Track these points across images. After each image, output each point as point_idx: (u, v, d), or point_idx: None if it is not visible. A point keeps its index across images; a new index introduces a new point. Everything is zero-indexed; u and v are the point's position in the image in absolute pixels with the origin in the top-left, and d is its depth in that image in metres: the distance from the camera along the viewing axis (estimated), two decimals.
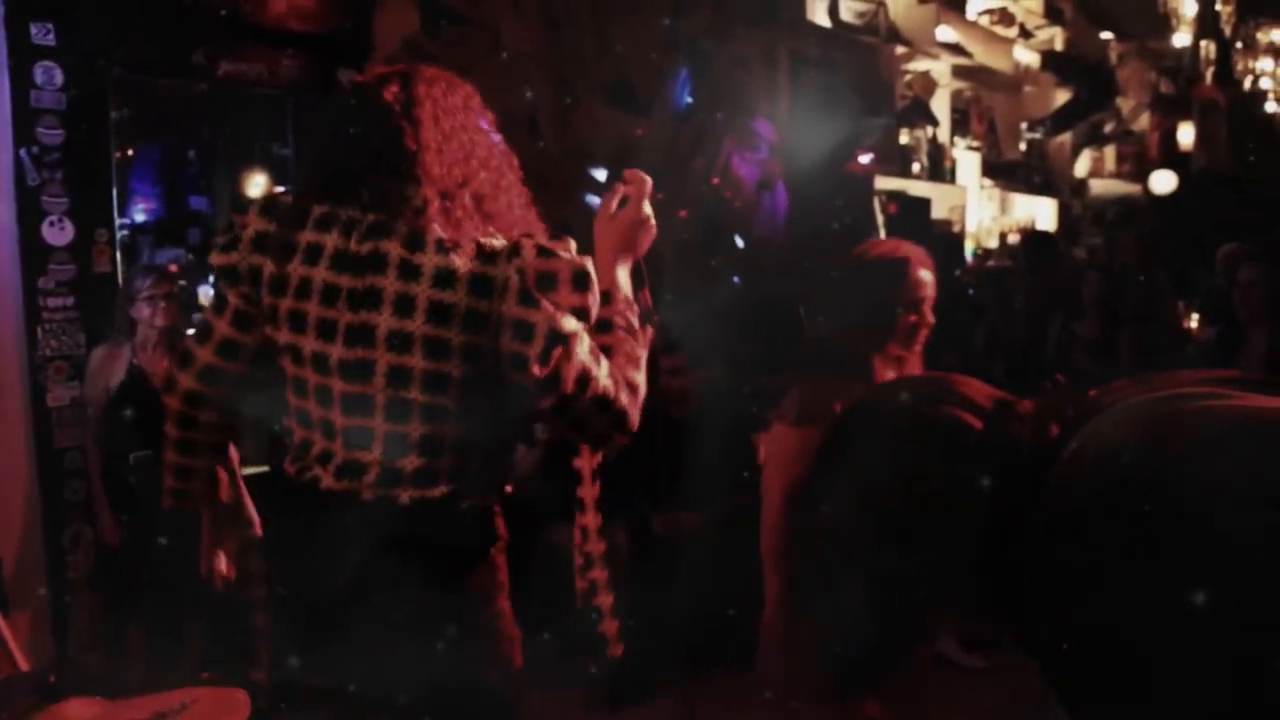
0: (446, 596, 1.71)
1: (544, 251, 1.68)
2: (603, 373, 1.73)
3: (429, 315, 1.67)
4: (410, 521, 1.70)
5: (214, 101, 5.85)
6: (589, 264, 1.71)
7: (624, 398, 1.74)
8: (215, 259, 1.84)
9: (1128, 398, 1.17)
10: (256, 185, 6.41)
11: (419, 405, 1.68)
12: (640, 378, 1.78)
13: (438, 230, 1.70)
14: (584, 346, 1.70)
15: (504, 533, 1.85)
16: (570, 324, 1.67)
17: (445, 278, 1.67)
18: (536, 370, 1.66)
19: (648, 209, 1.89)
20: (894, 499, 1.16)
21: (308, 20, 4.75)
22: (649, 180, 1.91)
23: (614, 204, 1.89)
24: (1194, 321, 6.44)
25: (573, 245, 1.72)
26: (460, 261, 1.68)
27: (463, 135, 1.79)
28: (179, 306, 3.94)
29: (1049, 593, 1.10)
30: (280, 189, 6.23)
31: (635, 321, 1.83)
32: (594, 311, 1.70)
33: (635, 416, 1.77)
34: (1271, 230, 7.24)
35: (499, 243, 1.71)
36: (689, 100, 6.04)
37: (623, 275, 1.86)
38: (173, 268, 4.24)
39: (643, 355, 1.80)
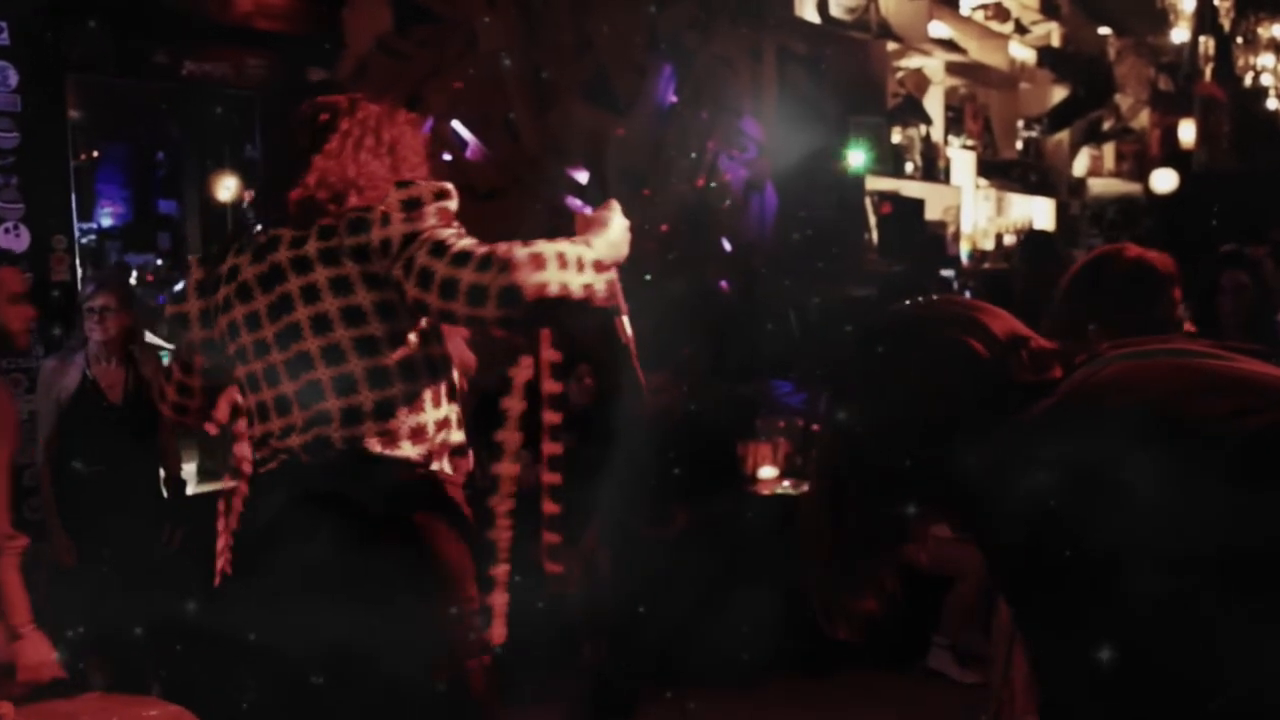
0: (403, 555, 1.83)
1: (404, 183, 1.94)
2: (464, 245, 1.85)
3: (332, 287, 1.91)
4: (375, 469, 1.87)
5: (183, 102, 5.82)
6: (446, 192, 1.92)
7: (476, 266, 1.80)
8: (168, 310, 2.17)
9: (1134, 349, 1.21)
10: (226, 188, 6.38)
11: (357, 364, 1.91)
12: (529, 259, 1.79)
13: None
14: (445, 232, 1.89)
15: (468, 511, 1.96)
16: (421, 224, 1.88)
17: (326, 255, 1.92)
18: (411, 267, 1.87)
19: (622, 219, 2.05)
20: (900, 409, 1.24)
21: (275, 19, 4.73)
22: (615, 202, 2.09)
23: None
24: (1190, 326, 6.43)
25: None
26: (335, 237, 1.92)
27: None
28: (126, 316, 3.88)
29: (994, 529, 1.17)
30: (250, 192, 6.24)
31: (582, 256, 1.86)
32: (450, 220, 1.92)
33: (490, 285, 1.78)
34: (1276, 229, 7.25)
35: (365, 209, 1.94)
36: (672, 99, 6.02)
37: (594, 241, 1.94)
38: (137, 276, 4.18)
39: (556, 263, 1.81)
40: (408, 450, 1.88)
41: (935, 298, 1.50)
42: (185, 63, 4.52)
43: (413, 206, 1.88)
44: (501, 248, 1.79)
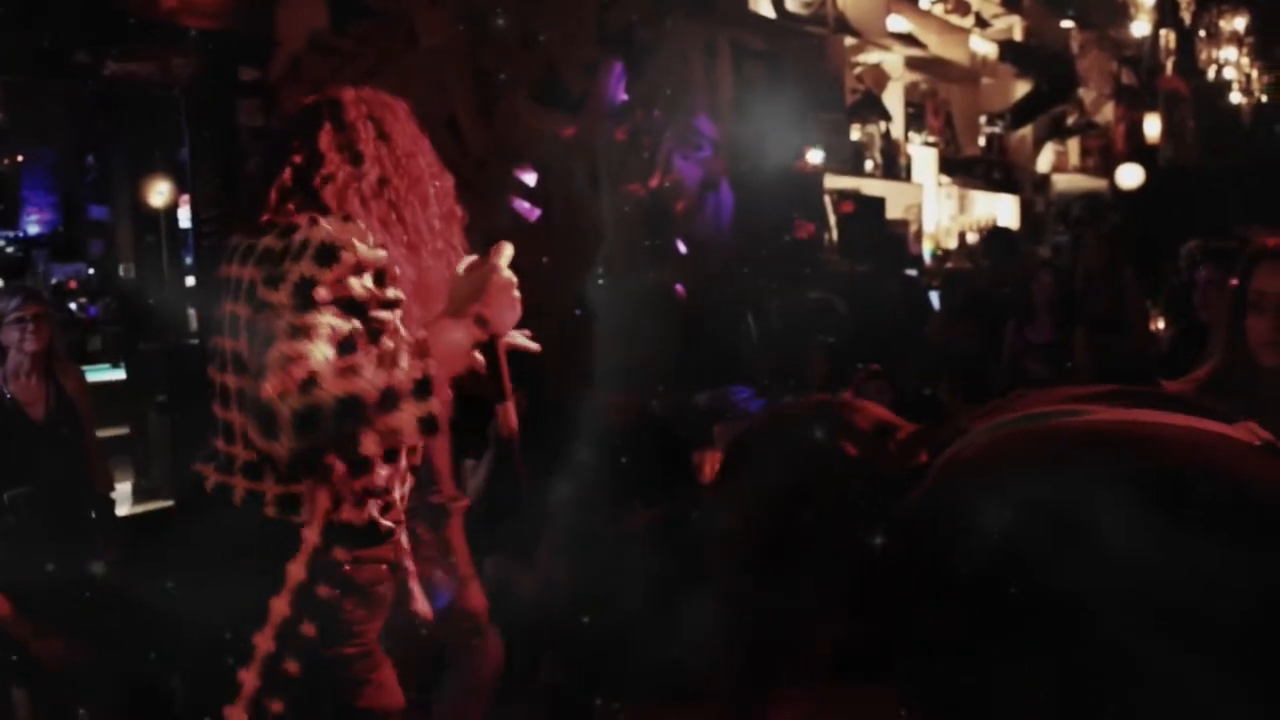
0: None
1: (313, 222, 1.75)
2: (285, 349, 1.59)
3: (242, 294, 1.81)
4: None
5: (112, 103, 5.71)
6: (349, 245, 1.71)
7: (279, 386, 1.56)
8: None
9: (991, 420, 1.23)
10: (160, 193, 6.26)
11: (235, 390, 1.85)
12: (334, 386, 1.57)
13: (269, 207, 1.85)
14: (287, 319, 1.63)
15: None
16: (279, 295, 1.67)
17: (246, 252, 1.83)
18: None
19: (506, 274, 1.79)
20: (775, 520, 1.24)
21: (203, 15, 4.64)
22: (510, 247, 1.84)
23: (468, 262, 1.89)
24: (1160, 322, 6.47)
25: (360, 230, 1.77)
26: (270, 240, 1.80)
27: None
28: (50, 328, 3.78)
29: (897, 611, 1.18)
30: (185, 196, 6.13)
31: (403, 360, 1.62)
32: (324, 290, 1.67)
33: (286, 411, 1.55)
34: (1242, 225, 7.32)
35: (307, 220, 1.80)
36: (623, 97, 5.98)
37: (444, 324, 1.72)
38: (71, 284, 4.09)
39: (368, 385, 1.58)
40: None
41: (804, 401, 1.52)
42: (107, 62, 4.41)
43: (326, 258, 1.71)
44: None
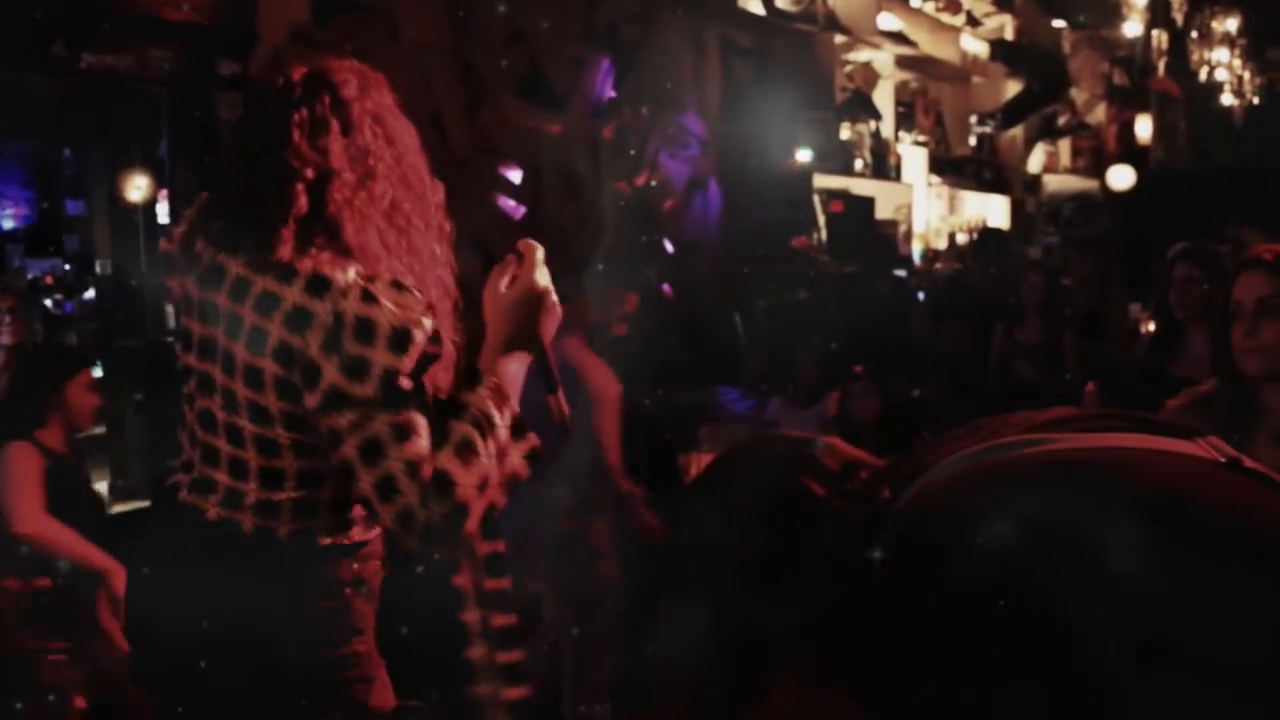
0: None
1: (369, 296, 1.63)
2: (401, 455, 1.60)
3: (248, 341, 1.66)
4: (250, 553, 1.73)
5: (90, 96, 5.66)
6: (417, 323, 1.63)
7: (413, 495, 1.59)
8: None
9: (955, 451, 1.21)
10: (137, 188, 6.21)
11: (249, 434, 1.72)
12: (464, 474, 1.62)
13: (288, 247, 1.68)
14: (384, 420, 1.61)
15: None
16: (364, 389, 1.59)
17: (267, 302, 1.65)
18: (314, 420, 1.65)
19: (544, 281, 1.78)
20: (739, 560, 1.21)
21: (182, 8, 4.60)
22: (539, 247, 1.80)
23: (503, 280, 1.80)
24: (1151, 325, 6.48)
25: (415, 302, 1.65)
26: (290, 289, 1.64)
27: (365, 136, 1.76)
28: (26, 322, 3.76)
29: (866, 655, 1.16)
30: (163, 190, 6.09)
31: (496, 416, 1.69)
32: (406, 378, 1.62)
33: (429, 519, 1.60)
34: (1234, 227, 7.34)
35: (342, 273, 1.65)
36: (610, 93, 5.97)
37: (509, 362, 1.76)
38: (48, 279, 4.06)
39: (487, 457, 1.64)
40: None
41: (768, 436, 1.50)
42: (84, 54, 4.37)
43: (361, 336, 1.61)
44: (410, 499, 1.60)
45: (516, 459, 1.71)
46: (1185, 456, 1.15)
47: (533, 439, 1.73)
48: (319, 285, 1.63)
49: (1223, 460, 1.14)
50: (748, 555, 1.20)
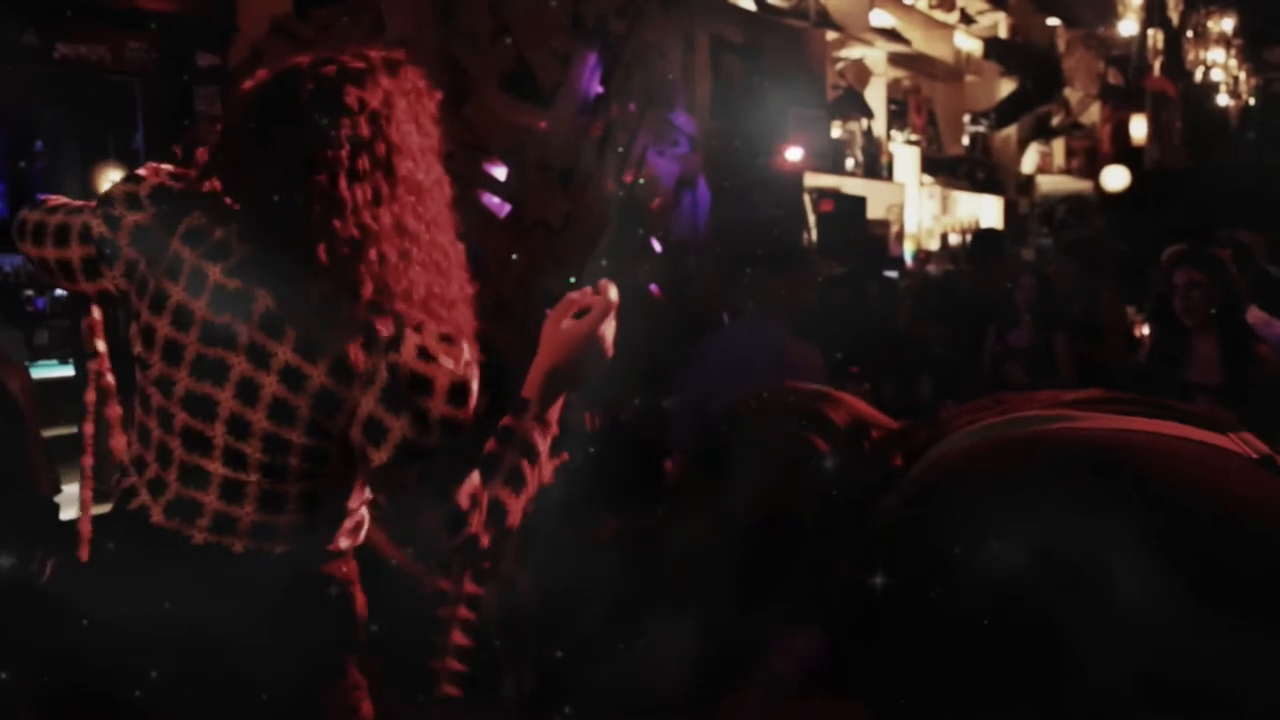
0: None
1: (425, 354, 1.64)
2: (463, 492, 1.71)
3: (282, 377, 1.65)
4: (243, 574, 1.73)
5: (63, 87, 5.62)
6: (471, 376, 1.67)
7: (475, 520, 1.72)
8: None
9: (974, 422, 1.20)
10: (112, 182, 6.17)
11: (255, 460, 1.70)
12: (515, 502, 1.76)
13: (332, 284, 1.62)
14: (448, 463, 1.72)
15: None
16: (430, 438, 1.65)
17: (310, 347, 1.63)
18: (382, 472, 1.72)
19: (609, 331, 1.82)
20: (742, 512, 1.23)
21: None
22: (615, 299, 1.81)
23: (570, 312, 1.82)
24: (1145, 329, 6.48)
25: (464, 350, 1.66)
26: (335, 337, 1.63)
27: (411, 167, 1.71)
28: None
29: (867, 625, 1.15)
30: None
31: (540, 443, 1.79)
32: (466, 425, 1.68)
33: (484, 540, 1.75)
34: (1228, 228, 7.36)
35: (393, 327, 1.64)
36: (598, 89, 5.93)
37: (553, 392, 1.84)
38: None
39: (529, 481, 1.78)
40: None
41: (777, 389, 1.45)
42: (57, 44, 4.33)
43: (419, 391, 1.64)
44: (472, 524, 1.71)
45: (548, 473, 1.83)
46: (1215, 449, 1.13)
47: (564, 455, 1.86)
48: (372, 339, 1.62)
49: (1255, 456, 1.12)
50: (745, 508, 1.20)
